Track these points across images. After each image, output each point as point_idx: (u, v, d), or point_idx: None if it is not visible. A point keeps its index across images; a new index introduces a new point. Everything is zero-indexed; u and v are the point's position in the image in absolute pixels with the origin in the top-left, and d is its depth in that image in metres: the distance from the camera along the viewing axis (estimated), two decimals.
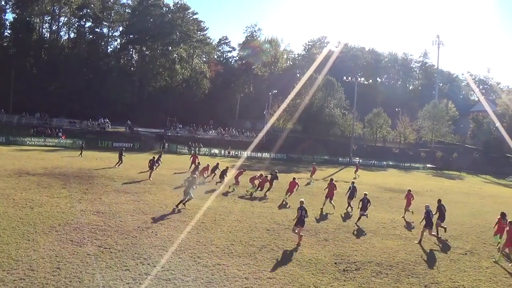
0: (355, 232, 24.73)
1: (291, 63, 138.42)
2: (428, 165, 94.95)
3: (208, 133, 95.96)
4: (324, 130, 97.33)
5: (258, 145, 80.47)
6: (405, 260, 20.06)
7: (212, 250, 19.16)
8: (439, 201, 25.74)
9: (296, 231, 21.27)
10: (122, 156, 46.04)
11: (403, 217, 29.53)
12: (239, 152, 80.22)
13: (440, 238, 24.18)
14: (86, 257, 16.86)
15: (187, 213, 25.58)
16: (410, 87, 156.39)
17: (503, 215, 24.02)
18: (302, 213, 21.09)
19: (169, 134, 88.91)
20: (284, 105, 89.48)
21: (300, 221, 21.08)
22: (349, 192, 31.15)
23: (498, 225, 23.99)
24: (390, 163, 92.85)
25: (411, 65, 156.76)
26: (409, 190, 30.84)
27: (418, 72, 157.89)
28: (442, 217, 24.99)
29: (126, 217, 23.40)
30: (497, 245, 23.11)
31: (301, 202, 21.67)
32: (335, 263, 18.95)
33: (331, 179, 32.76)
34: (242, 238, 21.35)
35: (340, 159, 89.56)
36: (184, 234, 21.02)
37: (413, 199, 30.22)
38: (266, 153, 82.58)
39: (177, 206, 26.64)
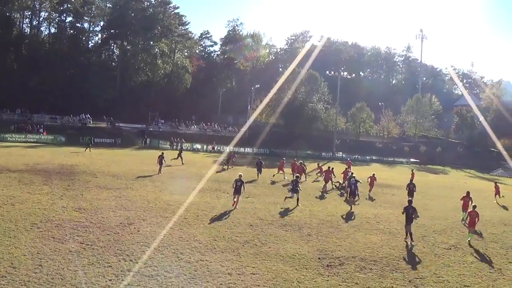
0: (339, 227, 24.78)
1: (274, 58, 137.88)
2: (411, 160, 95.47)
3: (191, 128, 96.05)
4: (307, 125, 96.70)
5: (240, 140, 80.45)
6: (389, 255, 20.13)
7: (194, 246, 19.13)
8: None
9: (235, 199, 27.30)
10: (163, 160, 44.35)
11: (463, 220, 27.95)
12: (222, 147, 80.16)
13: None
14: (68, 254, 16.75)
15: (169, 209, 25.55)
16: (394, 81, 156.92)
17: (468, 193, 28.97)
18: (237, 183, 27.35)
19: (151, 129, 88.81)
20: (266, 100, 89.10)
21: (236, 190, 27.31)
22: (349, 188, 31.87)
23: (464, 202, 28.59)
24: (374, 157, 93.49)
25: (394, 59, 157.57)
26: (468, 193, 29.80)
27: (401, 66, 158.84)
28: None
29: (108, 213, 23.29)
30: (461, 221, 27.53)
31: (240, 176, 27.94)
32: (319, 258, 18.97)
33: (329, 168, 38.71)
34: (225, 234, 21.34)
35: (323, 153, 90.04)
36: (166, 230, 20.97)
37: (471, 202, 27.77)
38: (248, 148, 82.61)
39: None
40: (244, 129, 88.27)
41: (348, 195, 31.57)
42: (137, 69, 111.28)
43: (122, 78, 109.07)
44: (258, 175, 42.53)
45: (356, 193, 31.88)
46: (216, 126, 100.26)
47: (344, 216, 27.56)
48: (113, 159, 48.64)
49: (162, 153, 42.72)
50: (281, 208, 28.18)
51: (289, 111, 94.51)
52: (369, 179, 38.10)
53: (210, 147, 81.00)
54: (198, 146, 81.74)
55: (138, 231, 20.53)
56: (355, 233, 23.53)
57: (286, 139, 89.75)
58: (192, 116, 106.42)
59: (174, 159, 49.76)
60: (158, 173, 39.59)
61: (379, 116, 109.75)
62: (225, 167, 48.70)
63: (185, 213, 24.80)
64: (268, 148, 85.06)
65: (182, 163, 49.75)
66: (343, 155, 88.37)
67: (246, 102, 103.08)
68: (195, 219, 23.76)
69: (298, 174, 34.09)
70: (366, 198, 35.58)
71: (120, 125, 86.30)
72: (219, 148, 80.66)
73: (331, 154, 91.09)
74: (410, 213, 22.56)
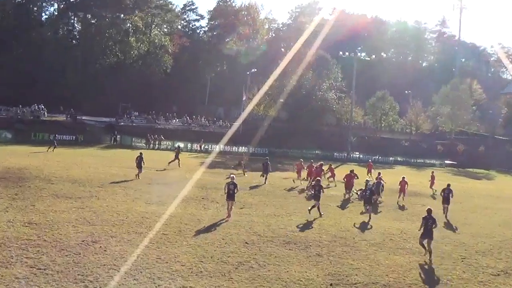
0: (355, 245, 24.69)
1: (274, 35, 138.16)
2: (446, 162, 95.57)
3: (171, 122, 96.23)
4: (316, 118, 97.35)
5: (233, 137, 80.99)
6: (418, 281, 19.91)
7: (176, 269, 19.01)
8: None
9: (228, 207, 28.40)
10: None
11: None
12: (210, 146, 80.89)
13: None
14: (13, 281, 16.49)
15: (144, 222, 25.51)
16: (424, 64, 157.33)
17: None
18: (229, 187, 28.11)
19: (122, 124, 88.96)
20: (265, 88, 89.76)
21: (229, 196, 28.03)
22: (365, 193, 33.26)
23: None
24: (399, 159, 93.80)
25: (425, 36, 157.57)
26: None
27: (434, 44, 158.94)
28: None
29: (67, 229, 23.14)
30: None
31: (232, 178, 28.80)
32: (331, 284, 18.85)
33: (351, 171, 39.97)
34: (213, 254, 21.28)
35: (335, 154, 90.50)
36: (140, 249, 20.88)
37: None
38: (243, 147, 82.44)
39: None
40: (237, 123, 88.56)
41: (364, 204, 32.75)
42: (104, 48, 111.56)
43: (85, 60, 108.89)
44: (265, 179, 44.00)
45: (374, 199, 33.47)
46: (203, 120, 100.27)
47: (361, 231, 27.54)
48: (74, 161, 48.35)
49: (141, 153, 43.01)
50: (301, 223, 28.31)
51: (294, 102, 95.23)
52: (399, 184, 39.38)
53: (196, 146, 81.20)
54: (181, 144, 79.73)
55: (104, 250, 20.35)
56: (376, 253, 23.40)
57: (289, 135, 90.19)
58: (173, 107, 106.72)
59: (171, 161, 51.78)
60: (137, 177, 40.30)
61: (405, 107, 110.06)
62: (241, 170, 50.61)
63: (164, 227, 24.75)
64: (267, 146, 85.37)
65: (179, 166, 51.56)
66: (360, 156, 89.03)
67: (240, 91, 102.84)
68: (176, 235, 23.71)
69: (318, 178, 35.28)
70: (396, 207, 35.83)
71: (83, 118, 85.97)
72: (207, 147, 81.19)
73: (345, 155, 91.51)
74: (429, 225, 22.77)
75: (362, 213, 32.65)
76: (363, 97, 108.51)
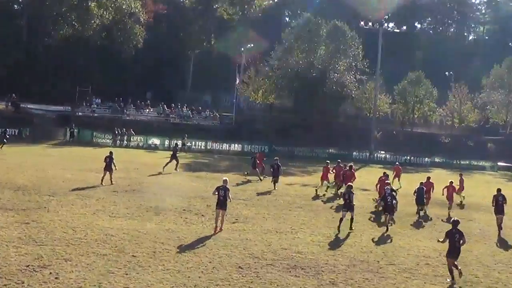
0: (380, 270, 24.56)
1: (275, 1, 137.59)
2: (500, 164, 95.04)
3: (143, 112, 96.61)
4: (329, 108, 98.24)
5: (223, 132, 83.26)
6: None
7: None
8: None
9: (218, 218, 29.02)
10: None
11: None
12: (193, 143, 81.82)
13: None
14: None
15: (109, 241, 25.45)
16: (471, 37, 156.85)
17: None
18: (220, 192, 29.05)
19: (80, 114, 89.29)
20: (265, 69, 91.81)
21: (220, 204, 28.90)
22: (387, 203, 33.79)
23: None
24: (437, 159, 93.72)
25: (473, 1, 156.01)
26: None
27: (484, 12, 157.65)
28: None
29: (7, 250, 23.02)
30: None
31: (224, 181, 29.73)
32: None
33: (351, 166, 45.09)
34: (198, 281, 21.17)
35: (354, 153, 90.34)
36: (103, 275, 20.70)
37: None
38: (236, 144, 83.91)
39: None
40: (229, 114, 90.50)
41: (384, 212, 33.80)
42: (56, 16, 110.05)
43: (31, 31, 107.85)
44: (274, 185, 46.43)
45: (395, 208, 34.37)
46: (184, 109, 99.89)
47: (388, 253, 27.46)
48: (17, 162, 48.37)
49: (111, 152, 43.45)
50: (310, 242, 28.50)
51: (301, 86, 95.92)
52: (445, 191, 40.59)
53: (178, 143, 77.92)
54: (156, 141, 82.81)
55: (56, 278, 20.13)
56: (406, 282, 23.29)
57: (295, 130, 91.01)
58: (147, 93, 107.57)
59: (168, 163, 52.51)
60: (101, 184, 40.82)
61: (445, 93, 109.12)
62: (255, 175, 52.38)
63: (135, 248, 24.74)
64: (267, 144, 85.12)
65: (176, 169, 53.16)
66: (387, 156, 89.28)
67: (232, 72, 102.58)
68: (150, 257, 23.64)
69: (350, 184, 36.20)
70: (434, 222, 36.36)
71: (29, 106, 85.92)
72: (190, 144, 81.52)
73: (368, 155, 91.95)
74: (456, 240, 23.17)
75: (381, 225, 33.24)
76: (391, 81, 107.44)
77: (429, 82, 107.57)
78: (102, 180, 41.29)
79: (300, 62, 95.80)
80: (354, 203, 32.04)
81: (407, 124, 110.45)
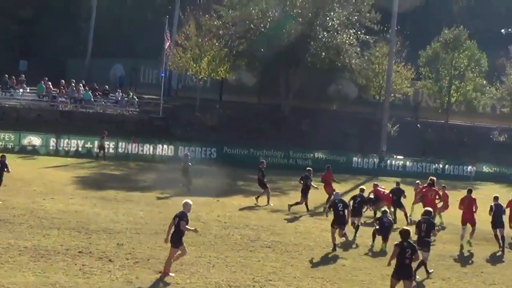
0: None
1: None
2: None
3: (16, 94, 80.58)
4: (315, 87, 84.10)
5: (145, 126, 74.90)
6: None
7: None
8: None
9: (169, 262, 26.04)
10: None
11: None
12: (109, 145, 69.13)
13: None
14: None
15: None
16: None
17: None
18: (175, 223, 26.18)
19: None
20: (212, 22, 78.93)
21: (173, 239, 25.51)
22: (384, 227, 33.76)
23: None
24: (485, 168, 77.38)
25: None
26: None
27: None
28: None
29: None
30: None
31: (185, 205, 26.23)
32: None
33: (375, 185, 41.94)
34: None
35: (355, 158, 76.06)
36: None
37: None
38: (166, 146, 71.36)
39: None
40: (154, 97, 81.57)
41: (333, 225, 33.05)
42: None
43: None
44: (306, 206, 42.81)
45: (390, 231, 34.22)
46: (81, 89, 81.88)
47: None
48: None
49: (3, 156, 40.77)
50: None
51: (271, 52, 78.54)
52: (508, 209, 37.51)
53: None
54: (36, 140, 70.24)
55: None
56: None
57: (262, 122, 79.01)
58: (20, 62, 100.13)
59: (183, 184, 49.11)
60: None
61: (500, 64, 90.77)
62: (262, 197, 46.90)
63: None
64: (214, 145, 73.52)
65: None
66: (407, 163, 75.87)
67: (159, 30, 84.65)
68: None
69: (429, 209, 31.97)
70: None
71: None
72: (90, 145, 69.79)
73: (376, 161, 76.51)
74: (406, 257, 22.27)
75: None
76: (415, 45, 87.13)
77: (475, 44, 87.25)
78: None
79: (270, 13, 79.17)
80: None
81: (440, 112, 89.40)
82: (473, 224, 35.11)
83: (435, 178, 43.41)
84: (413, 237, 27.68)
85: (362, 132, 79.06)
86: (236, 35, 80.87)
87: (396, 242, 21.99)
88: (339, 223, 31.73)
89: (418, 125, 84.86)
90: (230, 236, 34.72)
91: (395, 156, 76.81)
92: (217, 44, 79.20)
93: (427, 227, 28.14)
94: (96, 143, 68.18)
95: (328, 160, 69.04)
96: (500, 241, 33.57)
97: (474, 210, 35.39)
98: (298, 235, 36.16)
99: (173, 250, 25.10)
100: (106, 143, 67.60)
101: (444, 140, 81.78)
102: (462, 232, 34.69)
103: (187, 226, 25.03)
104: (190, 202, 25.96)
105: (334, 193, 36.06)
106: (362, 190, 39.57)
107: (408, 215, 40.00)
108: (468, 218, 34.94)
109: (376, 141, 76.66)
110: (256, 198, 45.16)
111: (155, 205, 40.91)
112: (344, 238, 32.27)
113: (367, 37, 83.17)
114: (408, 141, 76.03)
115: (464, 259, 32.96)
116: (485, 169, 76.63)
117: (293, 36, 79.31)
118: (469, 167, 75.32)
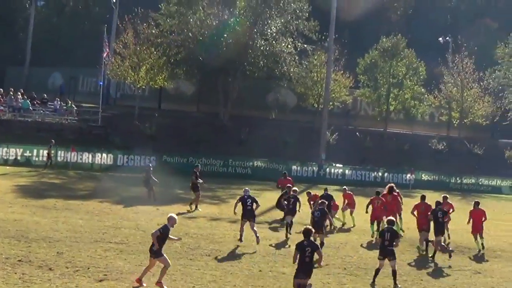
0: None
1: None
2: None
3: None
4: (253, 96, 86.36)
5: (84, 134, 76.13)
6: None
7: None
8: None
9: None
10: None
11: None
12: (36, 152, 68.80)
13: None
14: None
15: None
16: None
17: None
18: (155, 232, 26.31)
19: None
20: (150, 31, 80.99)
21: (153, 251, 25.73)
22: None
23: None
24: (424, 176, 79.45)
25: None
26: None
27: None
28: None
29: None
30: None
31: (169, 219, 25.84)
32: None
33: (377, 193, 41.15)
34: None
35: (294, 167, 76.44)
36: None
37: None
38: (105, 154, 71.80)
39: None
40: (93, 105, 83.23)
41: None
42: None
43: None
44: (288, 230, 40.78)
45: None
46: (19, 97, 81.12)
47: None
48: None
49: None
50: None
51: (209, 60, 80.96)
52: (471, 218, 39.91)
53: (46, 152, 67.51)
54: None
55: None
56: None
57: (200, 130, 79.17)
58: None
59: (192, 203, 47.61)
60: None
61: (438, 71, 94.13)
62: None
63: None
64: (153, 153, 72.96)
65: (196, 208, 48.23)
66: (346, 171, 77.93)
67: (98, 38, 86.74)
68: None
69: (392, 219, 32.93)
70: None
71: None
72: (28, 154, 69.80)
73: (315, 169, 77.99)
74: (307, 256, 22.36)
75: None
76: (354, 52, 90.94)
77: (413, 52, 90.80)
78: None
79: (208, 21, 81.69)
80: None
81: (379, 120, 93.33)
82: (428, 230, 35.87)
83: (393, 185, 43.51)
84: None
85: (301, 140, 79.99)
86: (174, 44, 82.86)
87: (297, 242, 22.35)
88: (247, 216, 34.24)
89: (357, 133, 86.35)
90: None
91: (334, 164, 78.62)
92: (155, 52, 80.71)
93: (391, 236, 28.52)
94: (35, 151, 68.68)
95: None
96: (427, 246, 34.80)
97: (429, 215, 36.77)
98: (238, 243, 36.12)
99: (154, 261, 25.19)
100: (45, 151, 67.52)
101: (383, 148, 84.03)
102: (420, 237, 35.68)
103: (170, 236, 25.13)
104: (175, 217, 25.93)
105: (245, 189, 36.82)
106: (295, 191, 41.36)
107: (339, 221, 42.33)
108: (424, 223, 35.69)
109: (315, 149, 78.84)
110: (190, 205, 45.77)
111: (95, 214, 40.98)
112: (257, 232, 33.77)
113: (306, 45, 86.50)
114: (347, 149, 78.44)
115: (402, 268, 32.44)
116: (424, 176, 78.66)
117: (232, 44, 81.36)
118: (408, 175, 76.39)
